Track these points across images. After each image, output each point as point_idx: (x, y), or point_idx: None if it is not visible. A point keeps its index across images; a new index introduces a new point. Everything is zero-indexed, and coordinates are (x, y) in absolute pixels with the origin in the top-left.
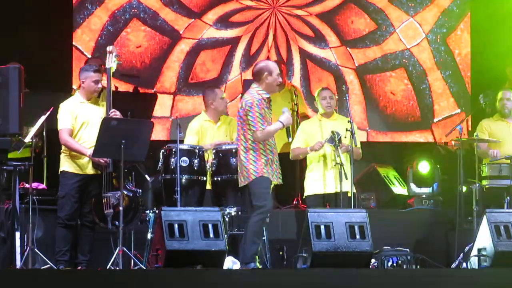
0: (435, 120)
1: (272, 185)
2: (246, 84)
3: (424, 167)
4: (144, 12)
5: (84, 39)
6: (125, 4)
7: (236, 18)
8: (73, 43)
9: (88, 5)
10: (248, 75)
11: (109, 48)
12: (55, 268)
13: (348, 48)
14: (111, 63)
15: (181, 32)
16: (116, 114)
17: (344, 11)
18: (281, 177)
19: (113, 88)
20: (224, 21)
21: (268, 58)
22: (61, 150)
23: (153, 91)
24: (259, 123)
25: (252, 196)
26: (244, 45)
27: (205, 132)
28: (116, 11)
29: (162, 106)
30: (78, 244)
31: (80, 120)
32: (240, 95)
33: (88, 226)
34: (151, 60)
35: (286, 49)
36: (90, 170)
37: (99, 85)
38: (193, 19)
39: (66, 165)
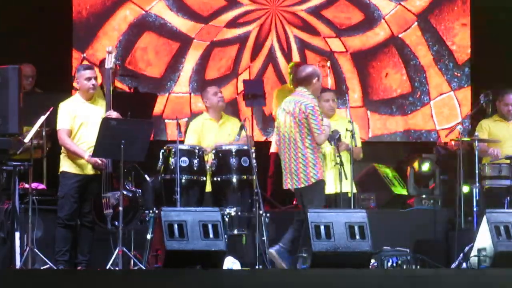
0: (431, 102)
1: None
2: (247, 85)
3: (426, 167)
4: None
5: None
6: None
7: (191, 1)
8: None
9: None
10: (199, 100)
11: (108, 49)
12: (55, 268)
13: (368, 111)
14: (111, 63)
15: None
16: (111, 115)
17: (383, 55)
18: None
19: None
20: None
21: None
22: (61, 151)
23: (82, 56)
24: (322, 126)
25: (309, 202)
26: (196, 59)
27: (206, 131)
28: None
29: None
30: (77, 244)
31: (79, 120)
32: (243, 96)
33: (87, 226)
34: (88, 14)
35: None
36: (90, 171)
37: (92, 82)
38: None
39: (66, 165)
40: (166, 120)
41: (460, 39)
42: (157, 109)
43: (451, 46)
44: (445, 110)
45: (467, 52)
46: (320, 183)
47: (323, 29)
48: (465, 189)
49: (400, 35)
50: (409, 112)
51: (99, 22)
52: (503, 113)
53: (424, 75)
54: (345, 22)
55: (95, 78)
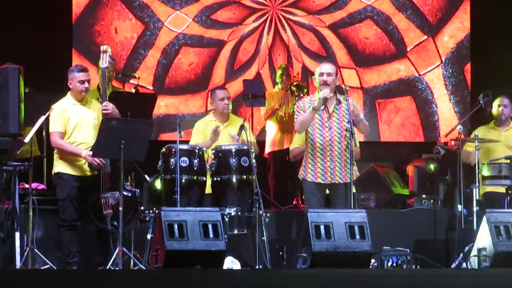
0: (408, 49)
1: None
2: (247, 85)
3: (430, 166)
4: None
5: (143, 76)
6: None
7: (220, 17)
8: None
9: (141, 50)
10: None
11: (102, 48)
12: (55, 268)
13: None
14: (105, 63)
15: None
16: (107, 107)
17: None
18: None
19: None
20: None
21: (258, 73)
22: (55, 151)
23: (207, 90)
24: (296, 117)
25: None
26: (227, 55)
27: (209, 132)
28: (166, 47)
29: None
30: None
31: (73, 121)
32: (243, 96)
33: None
34: (202, 70)
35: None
36: (87, 171)
37: (86, 85)
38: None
39: (61, 166)
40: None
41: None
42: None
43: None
44: (424, 54)
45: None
46: (304, 182)
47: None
48: (476, 191)
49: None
50: (344, 6)
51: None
52: (495, 115)
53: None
54: (321, 3)
55: (88, 81)
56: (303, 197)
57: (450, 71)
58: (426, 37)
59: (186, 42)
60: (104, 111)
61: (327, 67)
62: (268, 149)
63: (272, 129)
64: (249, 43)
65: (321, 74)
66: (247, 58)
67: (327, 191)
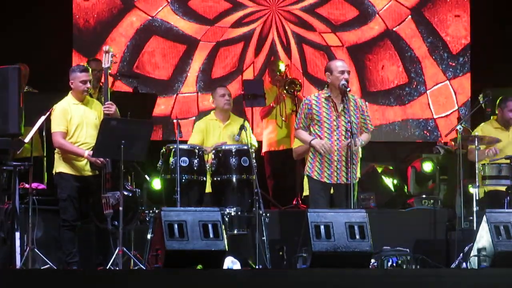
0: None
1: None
2: (247, 85)
3: (429, 167)
4: None
5: None
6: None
7: (196, 5)
8: None
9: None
10: (206, 99)
11: (105, 48)
12: (55, 268)
13: (366, 102)
14: (108, 63)
15: (135, 0)
16: (110, 107)
17: (379, 48)
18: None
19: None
20: (182, 4)
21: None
22: (55, 151)
23: (87, 59)
24: (297, 121)
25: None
26: (202, 59)
27: (210, 132)
28: None
29: None
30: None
31: (75, 121)
32: (243, 96)
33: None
34: (96, 22)
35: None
36: (87, 172)
37: (87, 85)
38: None
39: (62, 166)
40: (174, 120)
41: (453, 30)
42: (166, 110)
43: (445, 37)
44: (441, 99)
45: (461, 42)
46: (310, 180)
47: (319, 25)
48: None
49: (394, 29)
50: (406, 102)
51: (107, 29)
52: (507, 119)
53: (420, 65)
54: (340, 18)
55: (90, 81)
56: (303, 197)
57: None
58: (447, 81)
59: None
60: (106, 111)
61: (346, 65)
62: (264, 148)
63: (269, 128)
64: (229, 53)
65: (342, 72)
66: (225, 72)
67: (332, 191)
